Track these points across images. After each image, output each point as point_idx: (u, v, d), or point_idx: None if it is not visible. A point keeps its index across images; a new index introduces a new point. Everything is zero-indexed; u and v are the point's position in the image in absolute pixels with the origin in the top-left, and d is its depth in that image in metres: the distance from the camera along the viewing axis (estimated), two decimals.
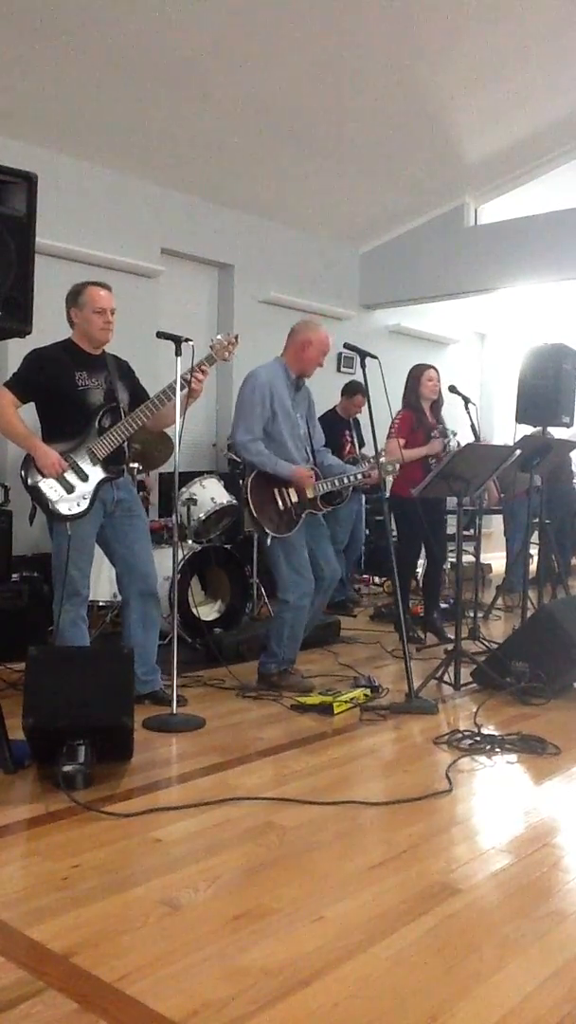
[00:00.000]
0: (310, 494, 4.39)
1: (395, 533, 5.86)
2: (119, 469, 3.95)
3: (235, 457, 4.38)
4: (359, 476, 4.57)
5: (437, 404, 5.78)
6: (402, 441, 5.52)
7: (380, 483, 4.65)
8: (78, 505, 3.81)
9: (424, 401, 5.71)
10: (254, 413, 4.33)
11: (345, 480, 4.53)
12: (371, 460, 6.66)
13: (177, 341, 3.84)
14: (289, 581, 4.36)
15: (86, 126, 6.03)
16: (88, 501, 3.83)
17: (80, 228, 6.29)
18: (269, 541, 4.32)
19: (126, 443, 3.94)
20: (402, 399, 5.71)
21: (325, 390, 7.14)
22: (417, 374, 5.73)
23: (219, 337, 4.01)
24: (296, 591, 4.35)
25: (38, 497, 3.80)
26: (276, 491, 4.36)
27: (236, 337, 4.01)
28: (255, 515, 4.32)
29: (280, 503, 4.35)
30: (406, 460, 5.41)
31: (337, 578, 4.66)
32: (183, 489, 5.61)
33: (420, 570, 6.30)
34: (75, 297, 3.90)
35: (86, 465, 3.84)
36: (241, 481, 4.48)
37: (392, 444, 5.50)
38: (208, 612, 5.55)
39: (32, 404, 3.89)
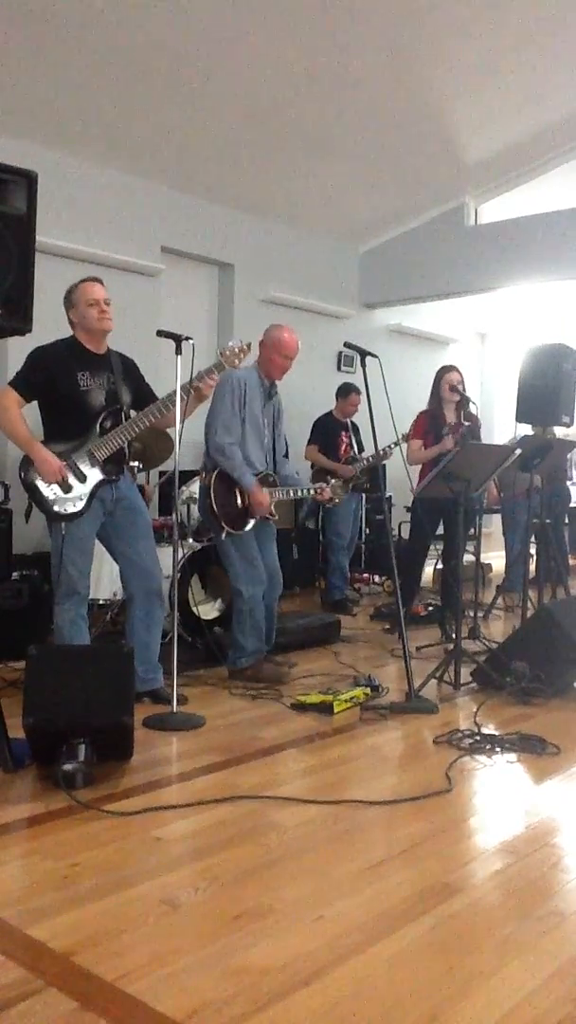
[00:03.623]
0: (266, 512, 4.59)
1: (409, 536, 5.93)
2: (118, 470, 3.95)
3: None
4: (311, 491, 4.77)
5: (461, 404, 5.77)
6: (418, 442, 5.66)
7: (331, 500, 4.84)
8: (75, 505, 3.81)
9: (445, 404, 5.74)
10: (231, 413, 4.47)
11: (297, 493, 4.79)
12: (369, 459, 6.72)
13: (177, 340, 3.84)
14: (242, 572, 4.54)
15: (86, 126, 6.02)
16: (85, 501, 3.83)
17: (80, 227, 6.28)
18: (224, 536, 4.50)
19: (127, 445, 3.94)
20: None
21: (329, 392, 7.15)
22: (439, 376, 5.80)
23: (231, 344, 3.99)
24: (249, 582, 4.53)
25: (35, 495, 3.81)
26: (236, 490, 4.53)
27: (248, 345, 4.02)
28: (215, 510, 4.47)
29: (239, 502, 4.53)
30: (423, 460, 5.62)
31: (279, 579, 4.78)
32: (183, 488, 5.61)
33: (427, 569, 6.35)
34: (68, 298, 3.92)
35: (85, 466, 3.84)
36: (202, 475, 4.59)
37: (413, 445, 5.70)
38: (208, 611, 5.55)
39: (35, 403, 3.90)
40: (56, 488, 3.78)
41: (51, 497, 3.79)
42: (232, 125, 6.35)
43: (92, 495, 3.85)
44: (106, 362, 3.95)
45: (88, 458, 3.85)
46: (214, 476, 4.49)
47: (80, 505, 3.81)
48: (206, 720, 3.85)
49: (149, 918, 2.19)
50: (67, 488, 3.80)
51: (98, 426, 3.87)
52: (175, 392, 3.84)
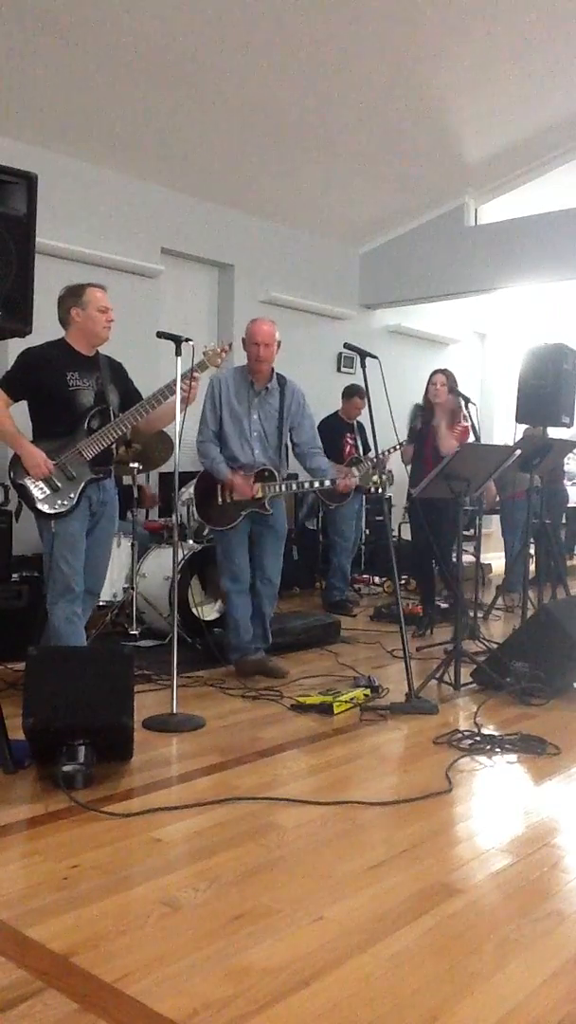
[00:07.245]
0: (259, 494, 4.58)
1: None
2: (107, 469, 3.97)
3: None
4: (327, 483, 4.69)
5: (452, 406, 5.81)
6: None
7: (348, 492, 4.86)
8: (63, 504, 3.82)
9: (436, 407, 5.77)
10: (205, 415, 4.67)
11: (304, 486, 4.79)
12: (371, 461, 6.71)
13: (177, 341, 3.85)
14: (222, 568, 4.72)
15: (86, 126, 6.03)
16: (74, 500, 3.84)
17: (80, 228, 6.29)
18: (207, 531, 4.71)
19: (114, 444, 3.96)
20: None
21: (329, 393, 7.15)
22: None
23: (212, 344, 4.05)
24: (226, 577, 4.70)
25: (24, 495, 3.84)
26: (218, 487, 4.64)
27: (230, 345, 4.11)
28: (197, 506, 4.71)
29: (219, 499, 4.63)
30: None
31: (274, 581, 4.80)
32: (183, 489, 5.61)
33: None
34: (77, 297, 3.90)
35: (73, 465, 3.85)
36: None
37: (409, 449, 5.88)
38: (208, 612, 5.55)
39: (24, 402, 3.92)
40: (45, 488, 3.80)
41: (39, 496, 3.81)
42: (232, 125, 6.35)
43: (80, 493, 3.86)
44: (94, 363, 3.97)
45: (76, 457, 3.86)
46: (199, 475, 4.72)
47: (70, 504, 3.84)
48: (206, 721, 3.85)
49: (149, 919, 2.19)
50: (55, 487, 3.81)
51: (85, 425, 3.89)
52: (160, 391, 3.87)
